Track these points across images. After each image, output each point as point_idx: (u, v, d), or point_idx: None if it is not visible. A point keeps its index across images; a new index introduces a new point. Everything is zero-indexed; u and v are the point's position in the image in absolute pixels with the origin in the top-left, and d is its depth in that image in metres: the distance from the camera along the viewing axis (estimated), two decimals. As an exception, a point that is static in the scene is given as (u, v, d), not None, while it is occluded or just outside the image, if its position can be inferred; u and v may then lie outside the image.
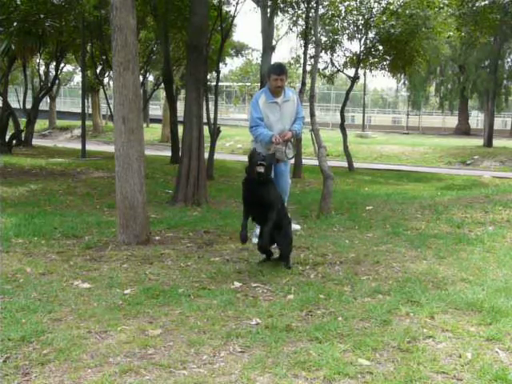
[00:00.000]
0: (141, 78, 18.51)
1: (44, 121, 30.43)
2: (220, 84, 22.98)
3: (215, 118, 12.58)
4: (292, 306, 3.62)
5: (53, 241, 5.37)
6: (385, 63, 15.00)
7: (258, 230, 5.43)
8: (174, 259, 4.80)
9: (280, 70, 5.47)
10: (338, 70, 15.42)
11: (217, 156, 12.97)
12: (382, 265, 4.70)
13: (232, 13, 14.56)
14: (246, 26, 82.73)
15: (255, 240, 5.45)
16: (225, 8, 14.74)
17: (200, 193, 8.09)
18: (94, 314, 3.41)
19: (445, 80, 34.83)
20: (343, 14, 14.27)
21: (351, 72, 15.34)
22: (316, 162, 7.63)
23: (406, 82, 34.45)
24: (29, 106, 20.78)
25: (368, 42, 14.63)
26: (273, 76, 5.40)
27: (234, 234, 5.89)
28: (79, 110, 19.69)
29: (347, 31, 14.54)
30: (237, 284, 4.09)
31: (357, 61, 14.80)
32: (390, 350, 2.96)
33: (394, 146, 21.76)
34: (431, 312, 3.48)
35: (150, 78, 30.08)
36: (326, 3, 13.89)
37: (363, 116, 34.74)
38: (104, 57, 18.57)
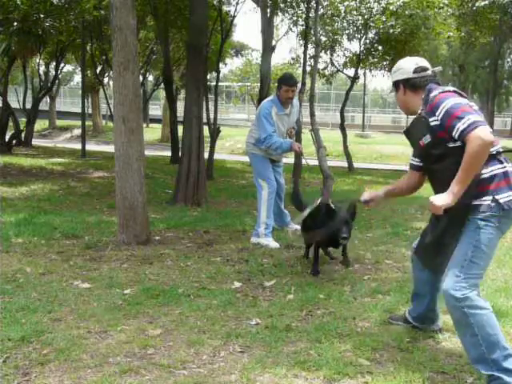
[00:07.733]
0: (141, 77, 18.56)
1: (44, 121, 30.40)
2: (220, 84, 22.95)
3: (215, 118, 12.56)
4: (292, 306, 3.62)
5: (53, 241, 5.37)
6: (385, 63, 14.97)
7: (261, 229, 5.44)
8: (173, 259, 4.80)
9: (293, 81, 5.42)
10: (338, 70, 15.40)
11: (217, 156, 12.94)
12: (382, 265, 4.71)
13: (232, 13, 14.56)
14: (246, 26, 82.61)
15: (254, 240, 5.47)
16: (225, 8, 14.70)
17: (200, 193, 8.07)
18: (94, 314, 3.41)
19: (445, 80, 34.84)
20: (343, 14, 14.25)
21: (351, 72, 15.32)
22: (316, 162, 7.63)
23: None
24: (29, 105, 20.75)
25: (368, 42, 14.61)
26: (285, 87, 5.34)
27: (234, 234, 5.91)
28: (79, 110, 19.64)
29: (347, 31, 14.53)
30: (237, 284, 4.09)
31: (357, 61, 14.78)
32: (390, 350, 2.97)
33: (394, 145, 21.73)
34: (431, 312, 3.47)
35: (150, 78, 30.15)
36: (325, 3, 13.87)
37: (363, 116, 34.69)
38: (104, 57, 18.58)
